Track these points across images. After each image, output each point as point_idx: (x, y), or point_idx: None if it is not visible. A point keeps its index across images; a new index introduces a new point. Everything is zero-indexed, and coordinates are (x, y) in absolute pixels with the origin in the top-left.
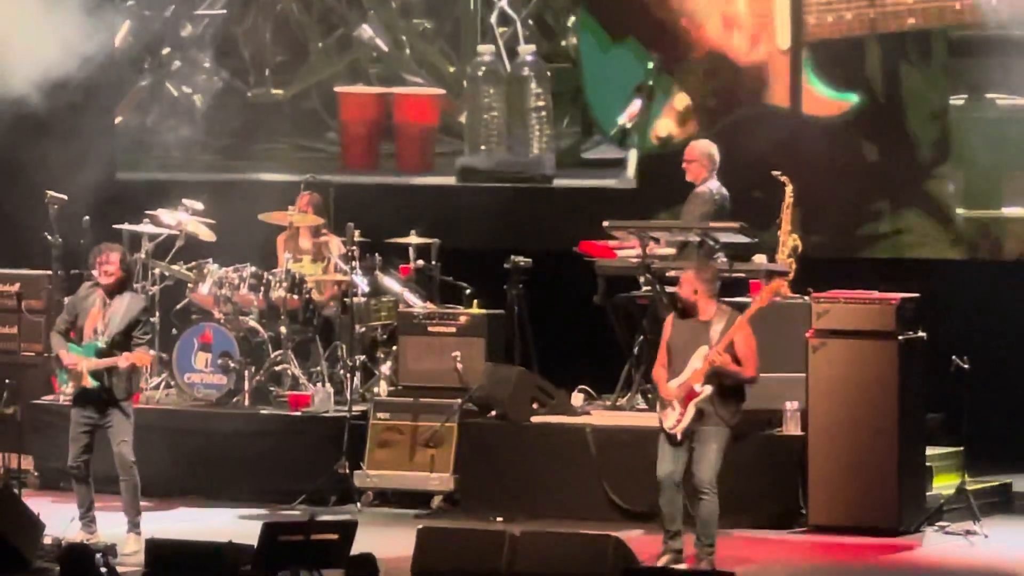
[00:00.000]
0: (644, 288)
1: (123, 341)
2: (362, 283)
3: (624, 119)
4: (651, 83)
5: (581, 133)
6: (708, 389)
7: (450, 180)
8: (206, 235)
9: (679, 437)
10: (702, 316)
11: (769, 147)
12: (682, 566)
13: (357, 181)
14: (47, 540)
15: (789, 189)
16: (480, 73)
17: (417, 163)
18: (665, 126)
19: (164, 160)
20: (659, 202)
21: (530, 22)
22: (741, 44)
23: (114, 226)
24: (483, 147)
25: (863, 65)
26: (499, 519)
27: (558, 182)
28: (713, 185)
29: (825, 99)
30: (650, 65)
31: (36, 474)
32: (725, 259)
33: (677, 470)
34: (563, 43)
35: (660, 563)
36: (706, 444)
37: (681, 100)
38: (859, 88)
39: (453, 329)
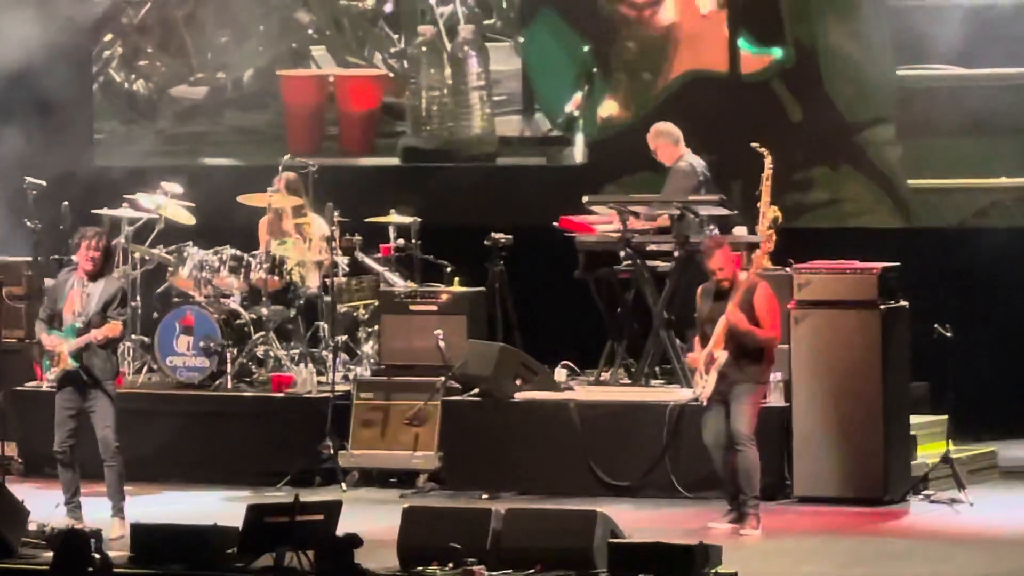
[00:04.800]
0: (624, 262)
1: (100, 321)
2: (342, 263)
3: (570, 107)
4: (595, 70)
5: (522, 111)
6: (724, 355)
7: (393, 161)
8: (185, 218)
9: (705, 403)
10: (724, 284)
11: (711, 113)
12: (748, 529)
13: (327, 164)
14: (32, 526)
15: (768, 160)
16: (421, 53)
17: (360, 144)
18: (608, 107)
19: (110, 148)
20: (607, 177)
21: (469, 1)
22: (663, 14)
23: (93, 211)
24: (425, 127)
25: (782, 19)
26: (484, 496)
27: (500, 160)
28: (692, 160)
29: (748, 55)
30: (586, 49)
31: (20, 461)
32: (716, 230)
33: (719, 434)
34: (497, 23)
35: (725, 521)
36: (738, 400)
37: (619, 80)
38: (781, 43)
39: (435, 307)
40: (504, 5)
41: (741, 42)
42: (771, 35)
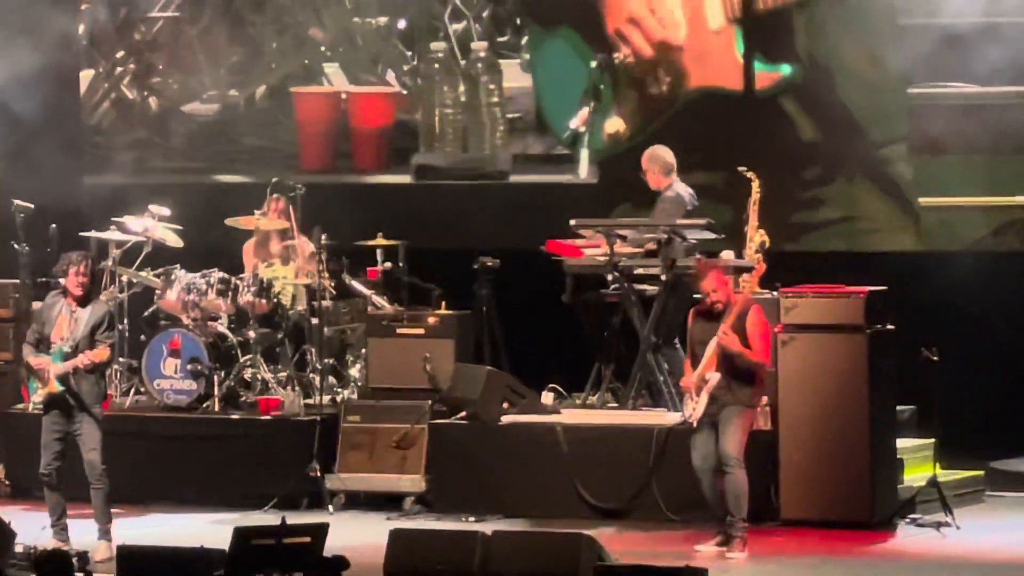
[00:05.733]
0: (612, 286)
1: (88, 345)
2: (330, 286)
3: (576, 123)
4: (601, 87)
5: (535, 127)
6: (716, 376)
7: (406, 178)
8: (173, 241)
9: (695, 424)
10: (718, 306)
11: (719, 129)
12: (735, 552)
13: (321, 182)
14: (19, 548)
15: (756, 184)
16: (434, 70)
17: (373, 162)
18: (614, 123)
19: (121, 164)
20: (621, 197)
21: (484, 15)
22: (672, 29)
23: (81, 233)
24: (438, 144)
25: (792, 35)
26: (471, 519)
27: (514, 178)
28: (681, 188)
29: (758, 72)
30: (593, 64)
31: (7, 482)
32: (699, 255)
33: (708, 456)
34: (511, 40)
35: (712, 543)
36: (727, 423)
37: (627, 95)
38: (792, 59)
39: (422, 330)
40: (518, 22)
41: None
42: (781, 51)
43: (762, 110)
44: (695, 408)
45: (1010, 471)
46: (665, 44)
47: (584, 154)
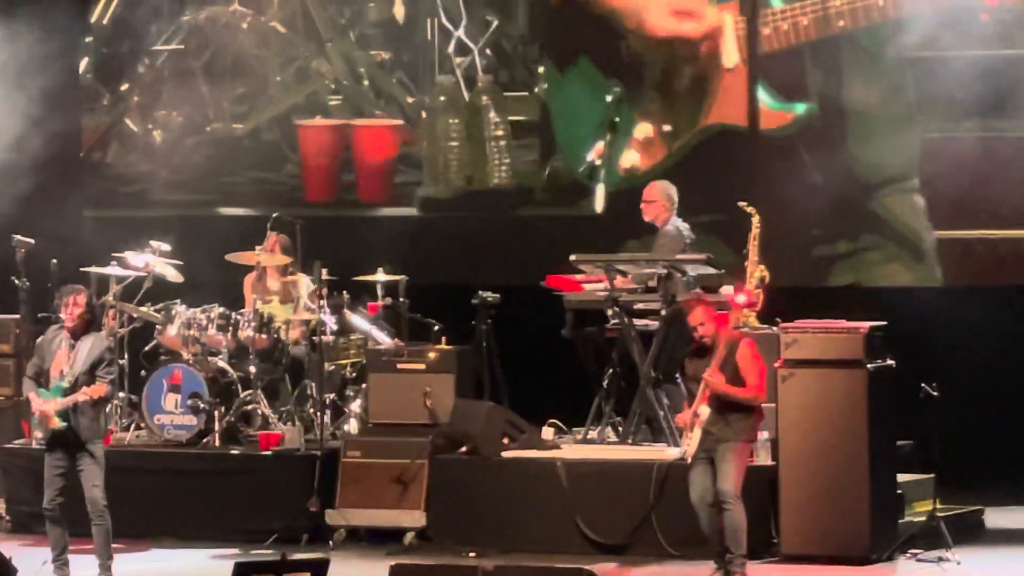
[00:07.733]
0: (612, 321)
1: (88, 380)
2: (330, 322)
3: (592, 156)
4: (617, 119)
5: (540, 161)
6: (707, 411)
7: (411, 211)
8: (174, 276)
9: (689, 460)
10: (706, 340)
11: (730, 168)
12: None
13: (322, 216)
14: None
15: (756, 219)
16: (439, 103)
17: (378, 194)
18: (630, 157)
19: (125, 197)
20: (625, 231)
21: (488, 51)
22: (690, 66)
23: (81, 268)
24: (442, 178)
25: (805, 73)
26: (471, 554)
27: (519, 211)
28: (679, 223)
29: (771, 111)
30: (609, 98)
31: (8, 518)
32: (700, 291)
33: (706, 492)
34: (516, 72)
35: None
36: (724, 459)
37: (642, 130)
38: (804, 98)
39: (422, 366)
40: (523, 54)
41: (764, 97)
42: (794, 90)
43: (776, 148)
44: (690, 444)
45: (1004, 529)
46: (680, 81)
47: (600, 187)
